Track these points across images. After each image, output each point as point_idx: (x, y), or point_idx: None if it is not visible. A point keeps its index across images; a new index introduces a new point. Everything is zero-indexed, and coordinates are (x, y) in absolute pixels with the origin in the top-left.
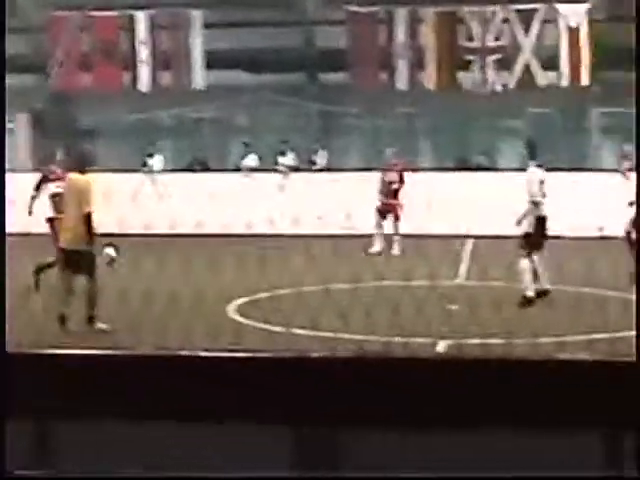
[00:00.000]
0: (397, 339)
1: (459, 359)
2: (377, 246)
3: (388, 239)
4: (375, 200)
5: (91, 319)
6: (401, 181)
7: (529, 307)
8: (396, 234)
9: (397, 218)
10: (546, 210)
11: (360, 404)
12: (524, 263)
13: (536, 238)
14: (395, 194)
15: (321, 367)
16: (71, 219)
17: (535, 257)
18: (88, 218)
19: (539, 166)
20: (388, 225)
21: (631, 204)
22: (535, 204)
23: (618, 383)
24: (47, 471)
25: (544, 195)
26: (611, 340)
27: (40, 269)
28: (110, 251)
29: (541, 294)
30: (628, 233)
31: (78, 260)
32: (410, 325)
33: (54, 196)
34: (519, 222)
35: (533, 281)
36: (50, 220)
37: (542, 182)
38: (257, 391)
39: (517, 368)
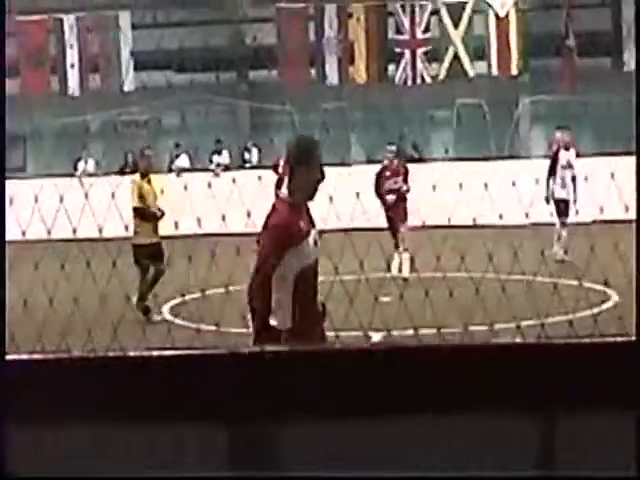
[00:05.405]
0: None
1: (400, 347)
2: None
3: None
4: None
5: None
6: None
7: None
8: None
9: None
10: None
11: (296, 397)
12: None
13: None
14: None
15: (252, 362)
16: None
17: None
18: (133, 212)
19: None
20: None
21: None
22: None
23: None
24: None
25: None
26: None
27: None
28: None
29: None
30: None
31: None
32: (342, 318)
33: None
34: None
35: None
36: None
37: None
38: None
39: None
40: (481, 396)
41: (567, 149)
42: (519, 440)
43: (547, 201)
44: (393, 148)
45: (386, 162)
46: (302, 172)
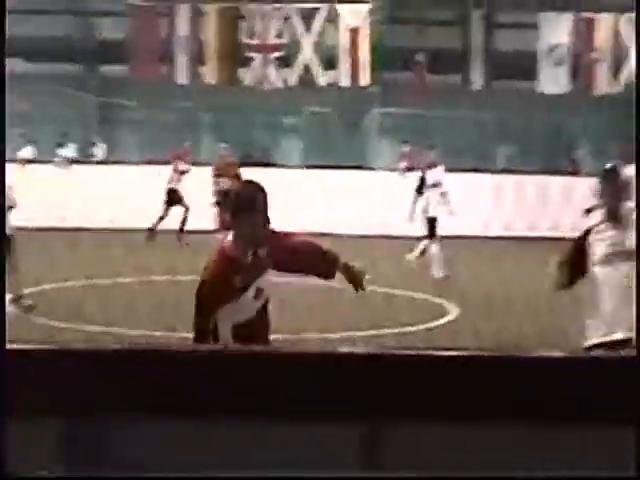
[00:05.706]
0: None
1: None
2: None
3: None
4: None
5: None
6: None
7: None
8: None
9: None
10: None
11: (135, 396)
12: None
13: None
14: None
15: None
16: None
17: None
18: None
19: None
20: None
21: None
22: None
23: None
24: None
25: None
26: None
27: None
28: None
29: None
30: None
31: None
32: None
33: None
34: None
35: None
36: None
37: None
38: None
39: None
40: (309, 403)
41: (432, 167)
42: (342, 446)
43: (410, 219)
44: (225, 145)
45: (217, 161)
46: (246, 220)
